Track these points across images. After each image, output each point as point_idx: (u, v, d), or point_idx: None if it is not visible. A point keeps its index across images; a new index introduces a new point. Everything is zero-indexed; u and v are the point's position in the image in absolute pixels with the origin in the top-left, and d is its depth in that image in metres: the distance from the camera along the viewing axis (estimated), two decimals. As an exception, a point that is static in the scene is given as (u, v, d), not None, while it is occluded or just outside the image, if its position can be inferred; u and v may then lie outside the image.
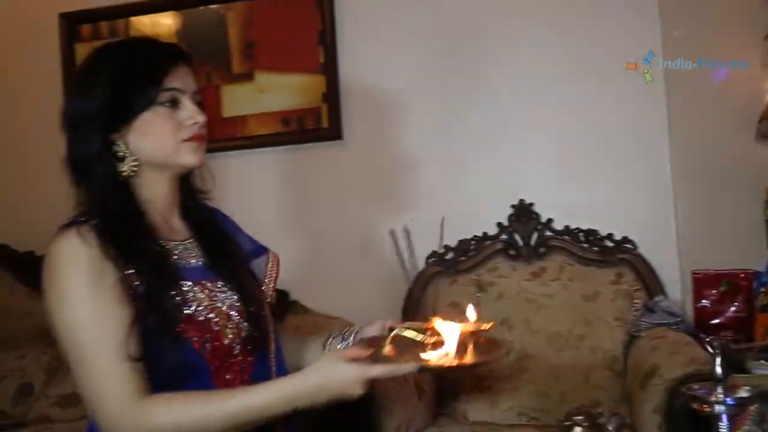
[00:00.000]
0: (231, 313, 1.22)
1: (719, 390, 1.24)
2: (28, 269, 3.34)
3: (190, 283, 1.20)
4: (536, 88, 3.02)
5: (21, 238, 3.38)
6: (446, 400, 2.68)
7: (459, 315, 1.26)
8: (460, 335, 1.18)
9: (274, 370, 1.29)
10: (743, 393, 1.26)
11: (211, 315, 1.18)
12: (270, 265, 1.42)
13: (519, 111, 3.04)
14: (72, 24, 3.44)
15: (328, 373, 1.10)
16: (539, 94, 3.02)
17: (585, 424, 1.35)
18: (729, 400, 1.23)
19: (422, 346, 1.17)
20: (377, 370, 1.10)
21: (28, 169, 3.45)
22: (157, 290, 1.13)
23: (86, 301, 1.09)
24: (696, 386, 1.32)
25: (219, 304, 1.21)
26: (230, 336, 1.20)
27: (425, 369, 1.16)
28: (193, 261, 1.26)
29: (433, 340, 1.18)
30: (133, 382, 1.07)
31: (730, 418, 1.23)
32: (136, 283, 1.13)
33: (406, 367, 1.12)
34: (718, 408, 1.23)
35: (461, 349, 1.17)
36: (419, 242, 3.00)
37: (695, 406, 1.29)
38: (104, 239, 1.12)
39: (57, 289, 1.10)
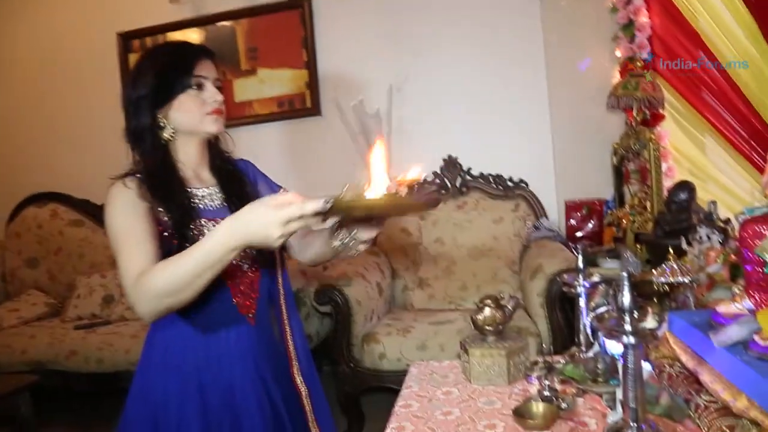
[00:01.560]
0: None
1: (580, 278, 1.26)
2: (99, 214, 3.34)
3: (205, 220, 1.15)
4: (462, 76, 3.02)
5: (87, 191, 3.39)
6: (398, 297, 2.76)
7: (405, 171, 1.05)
8: (399, 183, 1.01)
9: (280, 281, 1.25)
10: (595, 278, 1.27)
11: None
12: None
13: (450, 91, 3.04)
14: (126, 40, 3.42)
15: (250, 215, 0.89)
16: (464, 79, 3.03)
17: (492, 305, 1.32)
18: (586, 284, 1.26)
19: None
20: (286, 211, 0.86)
21: (90, 141, 3.41)
22: (180, 224, 1.10)
23: (121, 218, 1.07)
24: (566, 276, 1.33)
25: None
26: (238, 257, 1.14)
27: (334, 206, 0.87)
28: (214, 202, 1.20)
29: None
30: (144, 264, 1.01)
31: (587, 295, 1.26)
32: (165, 218, 1.10)
33: (314, 204, 0.86)
34: (579, 289, 1.26)
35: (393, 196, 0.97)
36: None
37: (565, 289, 1.30)
38: (141, 186, 1.10)
39: (105, 216, 1.09)
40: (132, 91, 1.16)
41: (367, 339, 2.26)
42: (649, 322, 0.84)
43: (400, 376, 1.43)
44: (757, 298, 0.98)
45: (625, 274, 0.85)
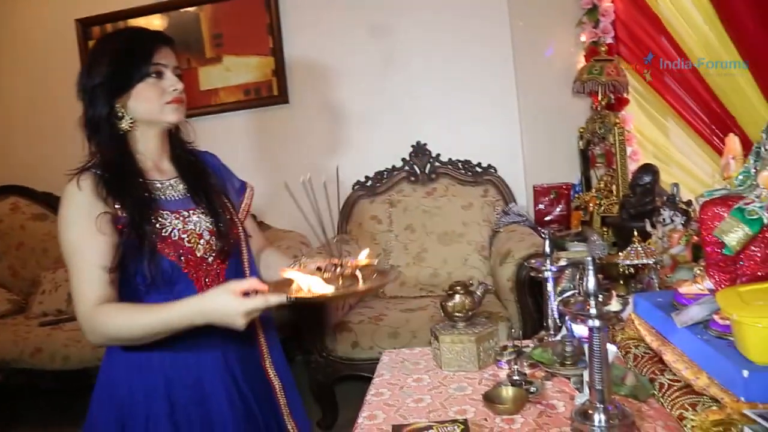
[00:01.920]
0: (203, 233, 1.14)
1: (547, 262, 1.31)
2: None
3: (167, 212, 1.12)
4: (429, 63, 2.99)
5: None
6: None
7: (354, 253, 1.13)
8: (351, 267, 1.04)
9: (248, 272, 1.21)
10: (563, 262, 1.33)
11: (183, 236, 1.11)
12: (246, 195, 1.35)
13: (418, 77, 3.01)
14: (85, 26, 3.29)
15: (216, 301, 0.97)
16: (432, 66, 2.99)
17: (461, 291, 1.32)
18: (553, 268, 1.30)
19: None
20: (250, 303, 0.95)
21: (52, 132, 3.28)
22: (137, 219, 1.07)
23: (73, 230, 1.03)
24: (533, 261, 1.39)
25: (192, 227, 1.13)
26: (202, 250, 1.13)
27: (294, 299, 0.96)
28: (174, 195, 1.16)
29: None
30: (100, 291, 1.01)
31: (554, 279, 1.31)
32: (123, 214, 1.06)
33: (277, 298, 0.96)
34: (546, 273, 1.30)
35: (352, 279, 1.04)
36: (349, 175, 3.01)
37: (533, 273, 1.36)
38: (98, 183, 1.06)
39: (58, 222, 1.06)
40: (87, 79, 1.12)
41: (340, 328, 2.23)
42: (614, 305, 0.86)
43: (373, 364, 1.42)
44: (716, 278, 1.00)
45: (589, 258, 0.86)
